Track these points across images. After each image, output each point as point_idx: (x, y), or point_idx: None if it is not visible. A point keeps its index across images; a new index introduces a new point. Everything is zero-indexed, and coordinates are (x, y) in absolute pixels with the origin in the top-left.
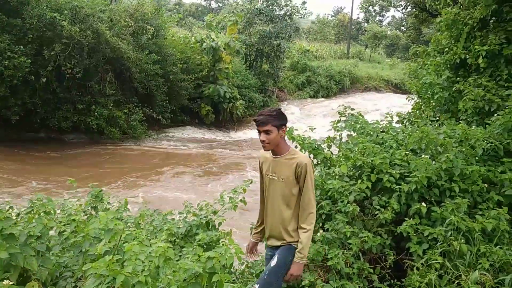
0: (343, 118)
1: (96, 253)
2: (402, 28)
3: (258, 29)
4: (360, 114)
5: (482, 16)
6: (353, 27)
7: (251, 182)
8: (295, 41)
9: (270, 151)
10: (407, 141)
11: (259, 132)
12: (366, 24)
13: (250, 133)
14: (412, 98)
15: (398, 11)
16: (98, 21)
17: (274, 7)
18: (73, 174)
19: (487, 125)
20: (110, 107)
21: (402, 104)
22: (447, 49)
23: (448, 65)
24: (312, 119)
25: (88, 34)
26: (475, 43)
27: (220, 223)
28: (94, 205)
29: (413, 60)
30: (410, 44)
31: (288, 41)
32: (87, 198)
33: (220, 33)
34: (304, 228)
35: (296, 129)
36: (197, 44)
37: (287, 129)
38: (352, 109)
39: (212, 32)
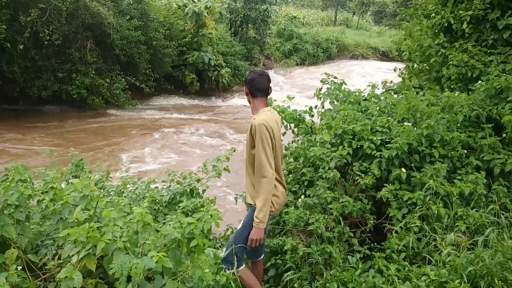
0: (326, 86)
1: (75, 220)
2: None
3: None
4: (344, 82)
5: None
6: None
7: (234, 151)
8: (282, 7)
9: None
10: (389, 109)
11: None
12: None
13: (236, 101)
14: (399, 69)
15: None
16: None
17: None
18: (54, 145)
19: (470, 92)
20: (92, 75)
21: (388, 71)
22: (433, 14)
23: (436, 30)
24: (299, 88)
25: None
26: (460, 8)
27: (204, 190)
28: (75, 174)
29: (400, 27)
30: (397, 12)
31: (275, 5)
32: (68, 167)
33: None
34: (257, 193)
35: (274, 100)
36: (179, 9)
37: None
38: (335, 77)
39: None
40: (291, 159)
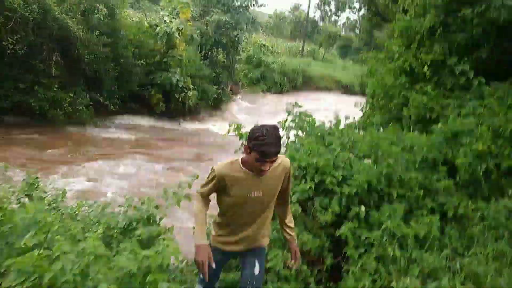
0: (291, 117)
1: (23, 246)
2: (356, 30)
3: (215, 17)
4: (310, 115)
5: (431, 25)
6: (309, 24)
7: (197, 177)
8: (252, 34)
9: (237, 168)
10: (351, 145)
11: (263, 162)
12: (321, 23)
13: (201, 125)
14: (360, 103)
15: (353, 13)
16: None
17: None
18: (8, 159)
19: (428, 133)
20: (55, 89)
21: (351, 105)
22: (397, 55)
23: (398, 71)
24: (263, 116)
25: (33, 9)
26: (422, 51)
27: (161, 218)
28: (28, 193)
29: (364, 63)
30: (362, 47)
31: (246, 32)
32: (21, 185)
33: (175, 18)
34: (292, 221)
35: (244, 126)
36: (151, 28)
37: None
38: (300, 106)
39: (166, 17)
40: None
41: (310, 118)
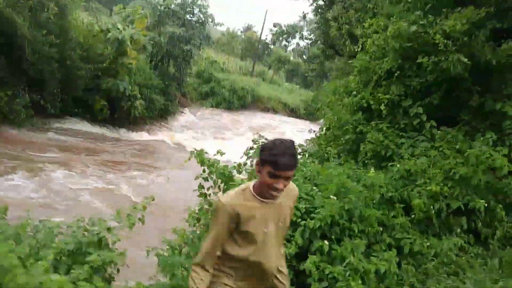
0: (255, 146)
1: None
2: (304, 56)
3: (169, 30)
4: None
5: (389, 67)
6: (260, 46)
7: (153, 200)
8: (205, 50)
9: (250, 196)
10: (313, 177)
11: (276, 177)
12: (272, 46)
13: (144, 135)
14: (314, 131)
15: (303, 40)
16: None
17: (187, 11)
18: None
19: (383, 169)
20: None
21: (298, 128)
22: (355, 92)
23: (355, 108)
24: (211, 129)
25: None
26: (379, 91)
27: (114, 242)
28: None
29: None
30: (309, 73)
31: (199, 48)
32: None
33: (128, 26)
34: (285, 268)
35: (206, 152)
36: (102, 33)
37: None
38: (266, 139)
39: (119, 23)
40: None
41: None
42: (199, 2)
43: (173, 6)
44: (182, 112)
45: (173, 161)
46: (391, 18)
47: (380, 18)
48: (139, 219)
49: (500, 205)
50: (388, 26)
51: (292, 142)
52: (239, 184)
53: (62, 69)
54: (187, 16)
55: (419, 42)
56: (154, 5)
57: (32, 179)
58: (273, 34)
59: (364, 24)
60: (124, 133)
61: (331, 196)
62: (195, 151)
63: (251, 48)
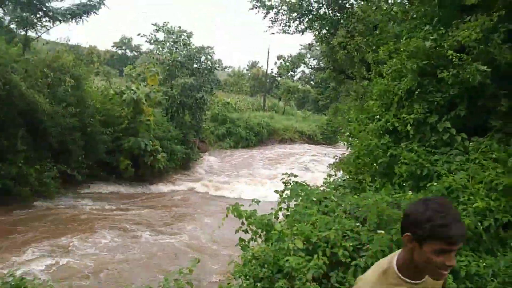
0: (288, 186)
1: None
2: (311, 82)
3: (180, 81)
4: (304, 184)
5: (408, 87)
6: (267, 80)
7: (198, 262)
8: (217, 94)
9: (395, 279)
10: (354, 211)
11: (447, 252)
12: (279, 78)
13: (171, 186)
14: (339, 156)
15: (310, 69)
16: (11, 71)
17: (194, 61)
18: None
19: (421, 189)
20: (20, 164)
21: (318, 154)
22: (378, 116)
23: (381, 132)
24: (235, 171)
25: None
26: (403, 112)
27: None
28: None
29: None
30: (319, 98)
31: (210, 93)
32: None
33: (141, 84)
34: None
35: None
36: (117, 95)
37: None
38: (295, 176)
39: (132, 84)
40: (257, 266)
41: (306, 187)
42: (204, 50)
43: (179, 58)
44: (203, 157)
45: (205, 207)
46: (401, 37)
47: (390, 43)
48: (187, 283)
49: None
50: (399, 48)
51: (446, 199)
52: (279, 232)
53: (84, 137)
54: (195, 65)
55: (434, 57)
56: (163, 60)
57: (86, 243)
58: (279, 68)
59: (373, 48)
60: (151, 188)
61: (379, 231)
62: (230, 207)
63: (259, 83)
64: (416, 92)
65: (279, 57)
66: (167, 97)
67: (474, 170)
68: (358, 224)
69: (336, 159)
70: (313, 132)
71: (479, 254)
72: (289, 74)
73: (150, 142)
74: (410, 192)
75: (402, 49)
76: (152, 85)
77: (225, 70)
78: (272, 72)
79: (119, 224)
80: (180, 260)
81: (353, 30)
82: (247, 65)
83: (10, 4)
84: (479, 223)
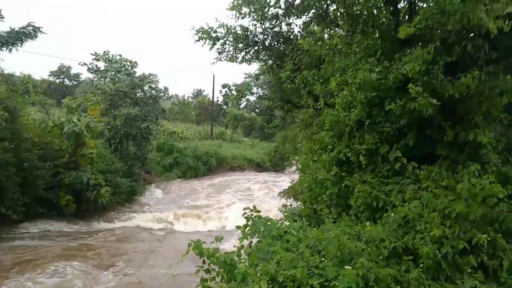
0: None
1: None
2: (256, 110)
3: (124, 111)
4: (267, 218)
5: (358, 118)
6: (213, 108)
7: None
8: (162, 123)
9: None
10: (316, 246)
11: None
12: (225, 107)
13: (116, 222)
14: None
15: (256, 98)
16: None
17: (138, 90)
18: None
19: (378, 221)
20: None
21: (267, 182)
22: (330, 146)
23: (334, 162)
24: (179, 203)
25: None
26: (354, 142)
27: None
28: None
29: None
30: (265, 125)
31: (156, 123)
32: None
33: (81, 115)
34: None
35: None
36: (56, 128)
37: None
38: (258, 211)
39: (73, 116)
40: None
41: (267, 221)
42: (148, 79)
43: (122, 87)
44: (149, 189)
45: (152, 245)
46: (347, 70)
47: (336, 75)
48: None
49: (499, 235)
50: (347, 79)
51: None
52: (243, 272)
53: (20, 172)
54: (139, 94)
55: (382, 89)
56: (104, 90)
57: None
58: (226, 97)
59: (321, 80)
60: (94, 224)
61: (346, 267)
62: (192, 243)
63: (205, 112)
64: (366, 123)
65: (224, 86)
66: (109, 127)
67: (427, 199)
68: (323, 259)
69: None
70: (262, 160)
71: (440, 283)
72: (234, 103)
73: (93, 176)
74: (367, 223)
75: (350, 81)
76: (93, 116)
77: (171, 99)
78: (218, 100)
79: (59, 263)
80: None
81: (300, 63)
82: (192, 93)
83: None
84: (437, 251)
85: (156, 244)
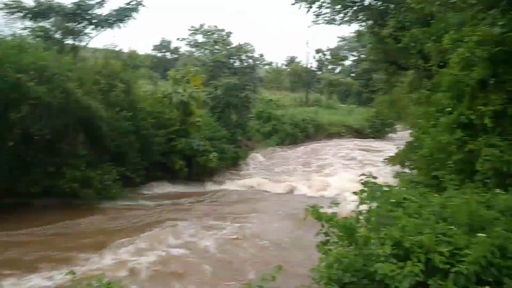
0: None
1: None
2: (352, 74)
3: (223, 81)
4: (386, 185)
5: (480, 77)
6: (308, 75)
7: (280, 269)
8: (261, 92)
9: None
10: (441, 213)
11: None
12: (319, 73)
13: (226, 185)
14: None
15: (353, 61)
16: (66, 80)
17: (235, 60)
18: (47, 250)
19: (508, 187)
20: (83, 168)
21: (370, 148)
22: (449, 109)
23: (454, 126)
24: (281, 167)
25: (56, 94)
26: (477, 103)
27: None
28: None
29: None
30: (364, 90)
31: (254, 92)
32: None
33: (185, 86)
34: None
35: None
36: (165, 98)
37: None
38: (375, 177)
39: (179, 87)
40: (340, 270)
41: (384, 187)
42: (244, 49)
43: (220, 58)
44: (251, 156)
45: (262, 206)
46: (462, 25)
47: (451, 31)
48: None
49: None
50: (463, 36)
51: None
52: (365, 236)
53: (139, 139)
54: (237, 64)
55: (507, 42)
56: (203, 62)
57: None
58: (321, 61)
59: (434, 38)
60: (206, 187)
61: (479, 234)
62: (309, 208)
63: (299, 79)
64: (491, 82)
65: (318, 51)
66: (211, 96)
67: None
68: (451, 227)
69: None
70: (361, 126)
71: None
72: (329, 67)
73: (201, 142)
74: (497, 190)
75: (466, 38)
76: (196, 86)
77: (264, 67)
78: (311, 66)
79: (183, 223)
80: (255, 263)
81: (404, 21)
82: (285, 61)
83: (56, 16)
84: None
85: (264, 206)
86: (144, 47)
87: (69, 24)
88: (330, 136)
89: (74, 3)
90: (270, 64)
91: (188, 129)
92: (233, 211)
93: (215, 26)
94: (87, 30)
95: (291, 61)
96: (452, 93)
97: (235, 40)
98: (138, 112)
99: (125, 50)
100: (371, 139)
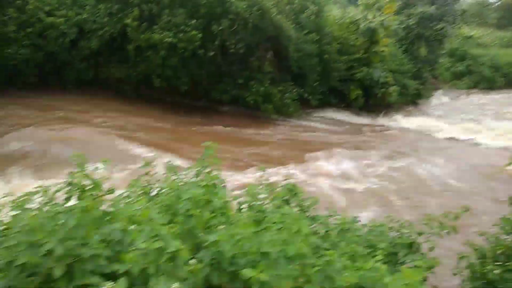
0: None
1: None
2: None
3: (419, 10)
4: None
5: None
6: None
7: (467, 210)
8: (460, 26)
9: None
10: None
11: None
12: None
13: (401, 121)
14: None
15: None
16: None
17: None
18: (240, 153)
19: None
20: (267, 84)
21: None
22: None
23: None
24: (467, 113)
25: (253, 11)
26: None
27: (432, 248)
28: (286, 197)
29: None
30: None
31: (452, 25)
32: (281, 190)
33: (376, 13)
34: None
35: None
36: (352, 25)
37: None
38: None
39: (369, 13)
40: None
41: None
42: None
43: None
44: (435, 95)
45: (449, 150)
46: None
47: None
48: (453, 228)
49: None
50: None
51: None
52: None
53: (320, 63)
54: None
55: None
56: None
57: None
58: None
59: None
60: (380, 120)
61: None
62: None
63: (510, 14)
64: None
65: None
66: (403, 26)
67: None
68: None
69: None
70: None
71: None
72: None
73: (383, 74)
74: None
75: None
76: (388, 14)
77: None
78: None
79: (355, 150)
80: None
81: None
82: None
83: None
84: None
85: (441, 150)
86: None
87: None
88: None
89: None
90: None
91: (371, 58)
92: (398, 147)
93: None
94: None
95: None
96: None
97: None
98: (325, 36)
99: None
100: None
